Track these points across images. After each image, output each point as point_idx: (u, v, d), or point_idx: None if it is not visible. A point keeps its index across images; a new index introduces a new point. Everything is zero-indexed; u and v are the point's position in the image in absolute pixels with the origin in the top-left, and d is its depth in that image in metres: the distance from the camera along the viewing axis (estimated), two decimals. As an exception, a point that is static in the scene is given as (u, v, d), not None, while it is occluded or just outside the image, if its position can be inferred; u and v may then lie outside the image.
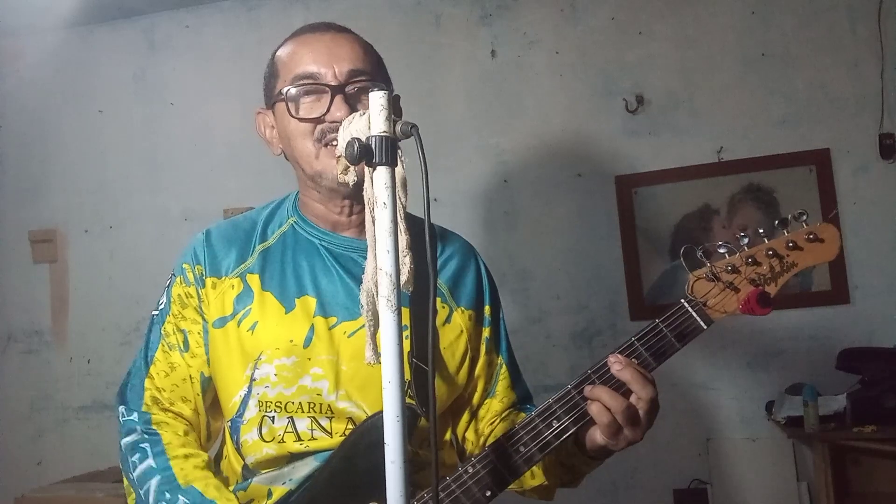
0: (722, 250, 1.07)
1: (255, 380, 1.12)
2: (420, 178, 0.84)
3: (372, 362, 0.94)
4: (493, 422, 1.25)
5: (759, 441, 2.66)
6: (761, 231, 1.08)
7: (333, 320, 1.13)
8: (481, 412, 1.27)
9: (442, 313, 1.19)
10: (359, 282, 1.05)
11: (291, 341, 1.12)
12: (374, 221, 0.83)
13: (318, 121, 1.12)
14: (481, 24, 3.02)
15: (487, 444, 1.11)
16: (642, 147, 2.84)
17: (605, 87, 2.90)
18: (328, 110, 1.10)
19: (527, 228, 2.92)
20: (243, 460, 1.15)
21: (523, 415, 1.24)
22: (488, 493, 1.06)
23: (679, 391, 2.71)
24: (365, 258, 0.91)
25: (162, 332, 1.19)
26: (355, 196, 1.11)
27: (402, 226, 0.86)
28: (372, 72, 1.15)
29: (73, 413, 3.23)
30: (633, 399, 1.03)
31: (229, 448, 1.19)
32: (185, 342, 1.18)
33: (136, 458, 1.14)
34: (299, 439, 1.10)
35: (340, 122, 0.95)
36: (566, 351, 2.85)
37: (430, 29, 3.06)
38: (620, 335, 2.76)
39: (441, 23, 3.05)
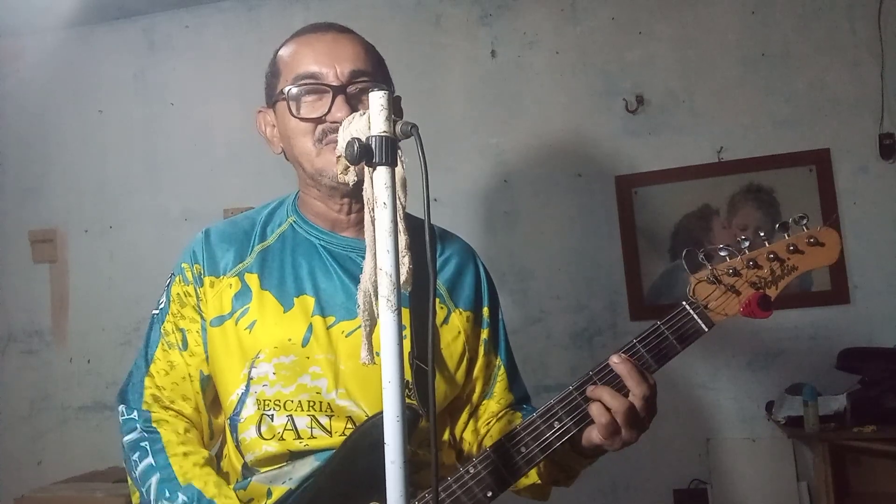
0: (723, 253, 1.08)
1: (252, 378, 1.13)
2: (420, 178, 0.84)
3: (367, 363, 0.94)
4: (490, 422, 1.25)
5: (758, 441, 2.66)
6: (762, 234, 1.09)
7: (332, 320, 1.13)
8: (479, 412, 1.27)
9: (440, 314, 1.20)
10: (357, 282, 1.04)
11: (290, 340, 1.12)
12: (373, 221, 0.83)
13: (318, 120, 1.12)
14: (481, 24, 3.02)
15: (484, 444, 1.11)
16: (642, 147, 2.84)
17: (605, 87, 2.90)
18: (329, 110, 1.10)
19: (527, 228, 2.92)
20: (243, 458, 1.15)
21: (519, 415, 1.24)
22: (489, 494, 1.06)
23: (679, 391, 2.71)
24: (364, 258, 0.91)
25: (161, 330, 1.20)
26: (355, 194, 1.11)
27: (400, 226, 0.86)
28: (373, 72, 1.16)
29: (73, 413, 3.23)
30: (630, 397, 1.03)
31: (230, 446, 1.19)
32: (184, 341, 1.18)
33: (136, 456, 1.14)
34: (299, 437, 1.11)
35: (341, 123, 0.95)
36: (566, 351, 2.85)
37: (430, 29, 3.06)
38: (620, 335, 2.77)
39: (441, 23, 3.05)
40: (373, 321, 0.91)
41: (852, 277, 2.64)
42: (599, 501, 2.74)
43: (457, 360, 1.20)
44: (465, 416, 1.27)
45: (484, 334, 1.25)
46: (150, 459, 1.13)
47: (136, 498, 1.14)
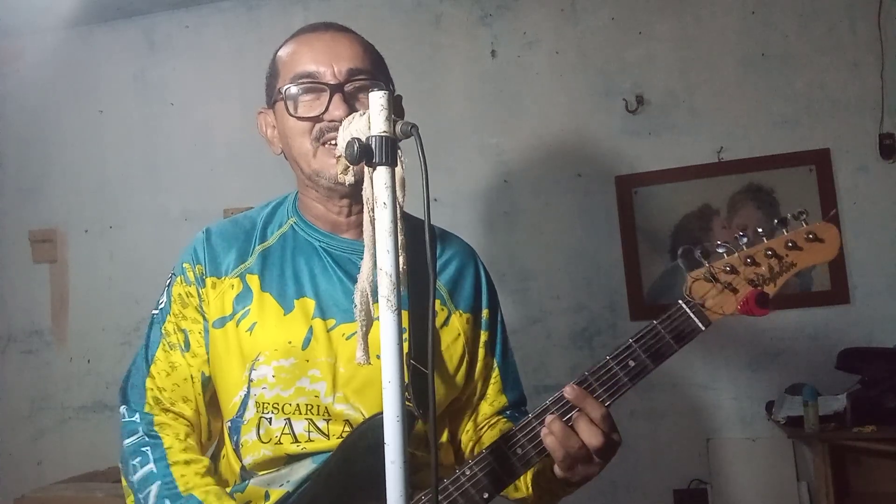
0: (721, 250, 1.06)
1: (252, 381, 1.12)
2: (420, 178, 0.83)
3: (362, 363, 0.93)
4: (482, 426, 1.25)
5: (758, 441, 2.66)
6: (760, 231, 1.06)
7: (332, 322, 1.13)
8: (476, 414, 1.27)
9: (440, 316, 1.19)
10: (357, 283, 1.05)
11: (290, 343, 1.11)
12: (372, 221, 0.83)
13: (316, 119, 1.11)
14: (481, 24, 3.02)
15: (475, 447, 1.10)
16: (642, 147, 2.84)
17: (604, 87, 2.90)
18: (327, 109, 1.10)
19: (527, 228, 2.92)
20: (241, 461, 1.14)
21: (510, 423, 1.20)
22: (485, 496, 1.06)
23: (679, 391, 2.71)
24: (364, 259, 0.90)
25: (162, 331, 1.19)
26: (354, 196, 1.10)
27: (399, 225, 0.85)
28: (372, 71, 1.15)
29: (73, 413, 3.23)
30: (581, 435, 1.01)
31: (228, 449, 1.18)
32: (186, 342, 1.18)
33: (137, 461, 1.13)
34: (296, 441, 1.10)
35: (339, 121, 0.94)
36: (566, 351, 2.84)
37: (430, 29, 3.06)
38: (620, 335, 2.76)
39: (441, 23, 3.05)
40: (369, 321, 0.90)
41: (852, 277, 2.64)
42: (599, 501, 2.74)
43: (456, 362, 1.20)
44: (465, 417, 1.27)
45: (483, 336, 1.24)
46: (150, 466, 1.12)
47: (130, 501, 1.13)
